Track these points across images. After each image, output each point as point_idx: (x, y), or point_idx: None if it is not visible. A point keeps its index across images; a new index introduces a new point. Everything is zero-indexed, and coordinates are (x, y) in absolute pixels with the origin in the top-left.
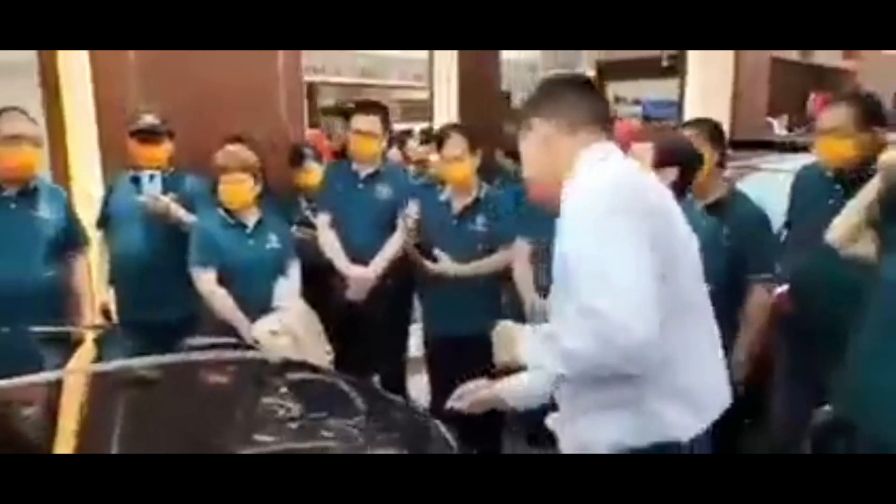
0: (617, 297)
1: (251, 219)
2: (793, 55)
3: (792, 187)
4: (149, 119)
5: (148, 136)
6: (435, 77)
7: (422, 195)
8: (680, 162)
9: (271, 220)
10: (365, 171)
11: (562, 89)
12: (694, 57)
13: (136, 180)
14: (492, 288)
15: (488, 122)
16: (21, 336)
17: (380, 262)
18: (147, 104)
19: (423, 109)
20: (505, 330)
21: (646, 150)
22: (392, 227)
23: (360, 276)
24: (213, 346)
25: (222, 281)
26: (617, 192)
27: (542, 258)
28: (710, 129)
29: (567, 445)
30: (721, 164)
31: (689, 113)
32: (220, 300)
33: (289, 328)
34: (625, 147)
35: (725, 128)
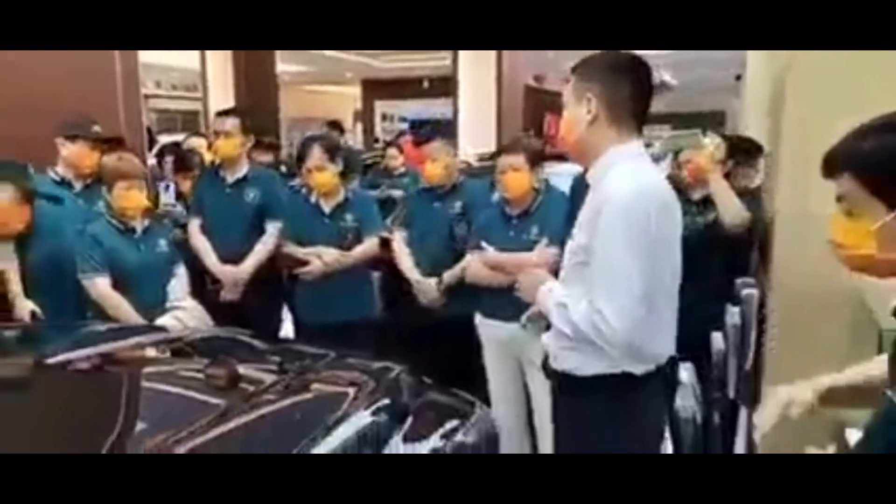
0: (617, 305)
1: (139, 224)
2: (529, 80)
3: (572, 189)
4: None
5: None
6: (210, 87)
7: (292, 198)
8: (541, 164)
9: (156, 225)
10: (232, 177)
11: (623, 78)
12: (462, 80)
13: None
14: (359, 278)
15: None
16: None
17: (251, 262)
18: None
19: (190, 121)
20: (532, 276)
21: (519, 158)
22: (261, 229)
23: (233, 276)
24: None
25: (116, 286)
26: (646, 204)
27: (419, 245)
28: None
29: (556, 363)
30: None
31: (463, 129)
32: (117, 303)
33: (187, 325)
34: (413, 160)
35: (493, 142)
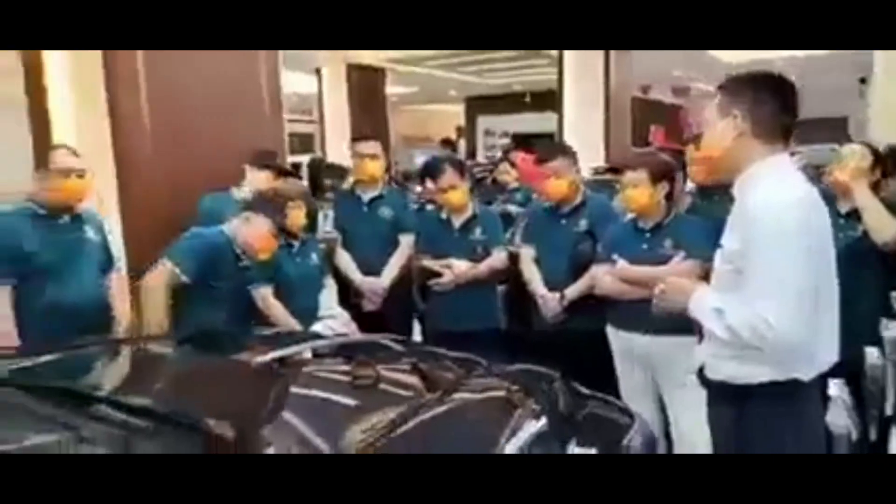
0: (783, 310)
1: (297, 240)
2: (634, 91)
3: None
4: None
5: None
6: (326, 111)
7: (424, 215)
8: (670, 178)
9: (310, 240)
10: (368, 196)
11: (767, 95)
12: (568, 93)
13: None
14: (486, 290)
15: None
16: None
17: (388, 274)
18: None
19: (306, 143)
20: (676, 283)
21: (640, 174)
22: (395, 242)
23: (373, 286)
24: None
25: (276, 296)
26: (801, 211)
27: (543, 261)
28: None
29: (712, 373)
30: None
31: (569, 142)
32: (279, 311)
33: (337, 332)
34: (527, 177)
35: (600, 155)
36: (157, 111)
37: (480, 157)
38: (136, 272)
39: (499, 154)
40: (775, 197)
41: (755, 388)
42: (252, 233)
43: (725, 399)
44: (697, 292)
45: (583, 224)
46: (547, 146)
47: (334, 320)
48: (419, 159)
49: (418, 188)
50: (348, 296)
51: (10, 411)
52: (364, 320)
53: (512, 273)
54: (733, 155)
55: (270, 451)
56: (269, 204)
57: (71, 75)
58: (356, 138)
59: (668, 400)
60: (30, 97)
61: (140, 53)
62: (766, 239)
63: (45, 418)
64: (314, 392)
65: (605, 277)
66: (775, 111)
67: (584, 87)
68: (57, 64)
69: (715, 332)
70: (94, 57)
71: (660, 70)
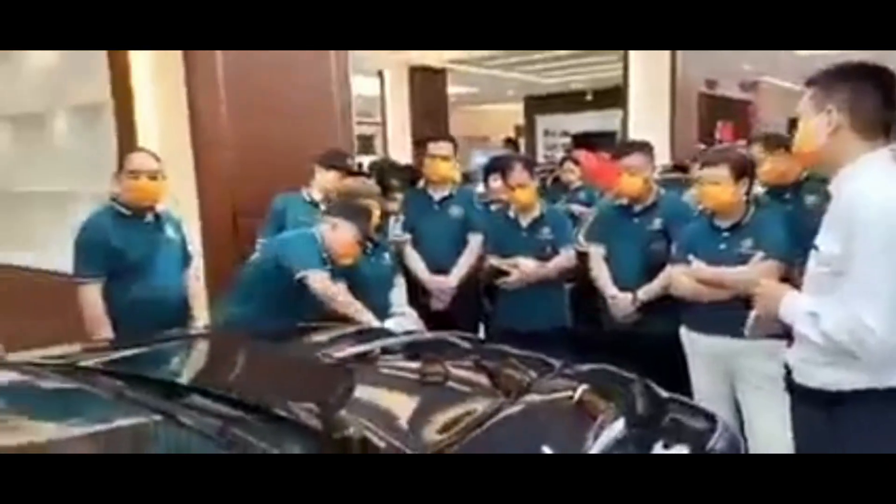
0: (883, 313)
1: (372, 241)
2: (700, 87)
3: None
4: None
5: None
6: (388, 113)
7: (491, 214)
8: (750, 174)
9: (382, 241)
10: (439, 195)
11: (867, 87)
12: (633, 91)
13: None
14: (554, 289)
15: None
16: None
17: (457, 273)
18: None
19: (367, 145)
20: (769, 287)
21: (721, 170)
22: (464, 242)
23: (442, 285)
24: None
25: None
26: None
27: (614, 261)
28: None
29: (803, 378)
30: None
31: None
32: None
33: (409, 329)
34: (592, 175)
35: (666, 153)
36: (235, 114)
37: (540, 158)
38: (215, 270)
39: (559, 154)
40: (877, 195)
41: (849, 394)
42: (338, 239)
43: (815, 404)
44: (788, 296)
45: (657, 223)
46: (623, 142)
47: (404, 318)
48: (478, 159)
49: (480, 188)
50: (417, 294)
51: (109, 398)
52: (432, 319)
53: (579, 272)
54: (829, 151)
55: (348, 441)
56: (355, 211)
57: (153, 78)
58: (429, 139)
59: (744, 402)
60: (116, 101)
61: (219, 55)
62: (866, 239)
63: (139, 404)
64: (389, 389)
65: (682, 278)
66: (878, 105)
67: (649, 84)
68: (140, 67)
69: (809, 337)
70: (175, 58)
71: (728, 64)
